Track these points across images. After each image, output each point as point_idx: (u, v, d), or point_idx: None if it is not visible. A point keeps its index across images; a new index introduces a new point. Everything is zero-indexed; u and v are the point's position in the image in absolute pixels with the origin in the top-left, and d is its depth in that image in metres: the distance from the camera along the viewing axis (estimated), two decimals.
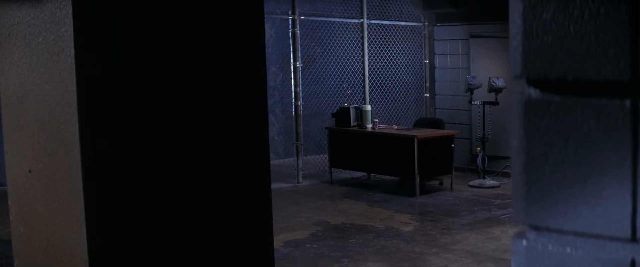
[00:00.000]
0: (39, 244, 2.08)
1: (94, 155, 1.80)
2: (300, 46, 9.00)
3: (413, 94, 11.51)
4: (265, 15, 8.07)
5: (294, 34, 8.83)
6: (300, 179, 9.08)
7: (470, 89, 9.90)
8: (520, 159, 0.82)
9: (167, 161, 1.92)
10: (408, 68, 11.50)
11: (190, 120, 1.99)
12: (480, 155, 9.84)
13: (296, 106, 8.92)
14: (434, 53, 11.30)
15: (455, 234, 6.87)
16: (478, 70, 10.52)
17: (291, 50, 8.92)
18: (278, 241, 6.21)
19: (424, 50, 11.37)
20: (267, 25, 7.69)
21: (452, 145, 9.19)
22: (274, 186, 8.60)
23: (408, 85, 11.52)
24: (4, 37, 2.14)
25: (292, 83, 8.97)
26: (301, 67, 8.99)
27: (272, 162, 2.28)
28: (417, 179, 8.60)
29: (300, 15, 8.93)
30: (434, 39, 11.25)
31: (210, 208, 2.02)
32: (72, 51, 1.77)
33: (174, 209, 1.95)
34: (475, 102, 9.97)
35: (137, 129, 1.88)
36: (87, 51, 1.79)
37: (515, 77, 0.85)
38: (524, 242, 0.83)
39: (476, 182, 9.63)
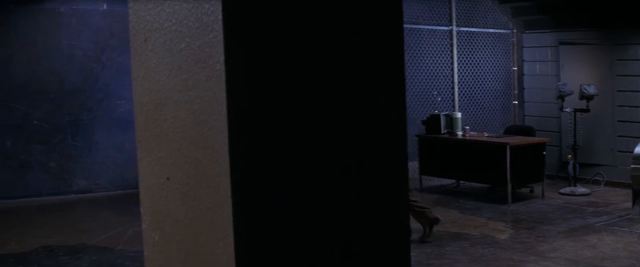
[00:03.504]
0: (177, 252, 2.06)
1: (243, 162, 1.77)
2: None
3: (500, 101, 11.31)
4: None
5: None
6: None
7: (562, 96, 9.71)
8: None
9: (317, 167, 1.88)
10: (496, 75, 11.31)
11: (338, 124, 1.94)
12: (571, 162, 9.64)
13: None
14: (523, 60, 11.08)
15: (551, 242, 6.74)
16: (568, 77, 10.28)
17: None
18: None
19: (512, 57, 11.17)
20: None
21: (544, 152, 9.04)
22: None
23: (496, 93, 11.33)
24: (139, 43, 2.14)
25: None
26: None
27: None
28: (509, 187, 8.46)
29: None
30: (523, 46, 11.05)
31: (360, 216, 1.96)
32: (222, 57, 1.74)
33: (324, 219, 1.90)
34: (566, 110, 9.77)
35: (287, 135, 1.84)
36: (237, 57, 1.76)
37: None
38: None
39: (567, 189, 9.44)
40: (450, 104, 10.52)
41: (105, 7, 9.20)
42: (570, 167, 9.60)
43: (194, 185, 1.92)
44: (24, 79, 8.87)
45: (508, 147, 8.42)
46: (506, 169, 8.42)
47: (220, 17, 1.73)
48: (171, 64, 1.96)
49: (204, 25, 1.80)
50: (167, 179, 2.05)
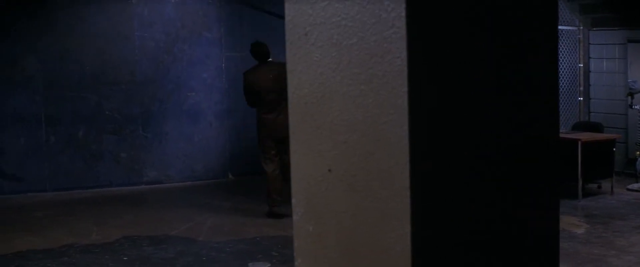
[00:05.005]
0: (335, 243, 2.09)
1: (421, 155, 1.79)
2: None
3: (565, 97, 11.21)
4: None
5: None
6: None
7: (631, 94, 9.65)
8: None
9: (492, 160, 1.90)
10: (561, 72, 11.21)
11: (505, 119, 1.96)
12: (639, 159, 9.59)
13: None
14: (589, 57, 10.98)
15: (628, 237, 6.72)
16: (636, 75, 10.17)
17: None
18: None
19: (578, 54, 11.07)
20: None
21: (614, 149, 9.05)
22: None
23: (561, 89, 11.24)
24: (297, 36, 2.17)
25: None
26: None
27: None
28: (580, 182, 8.49)
29: None
30: (590, 43, 10.94)
31: (530, 212, 1.98)
32: (404, 53, 1.77)
33: (491, 211, 1.92)
34: (635, 107, 9.69)
35: (463, 130, 1.86)
36: (419, 54, 1.78)
37: None
38: None
39: (635, 186, 9.39)
40: None
41: None
42: (638, 163, 9.57)
43: (361, 177, 1.95)
44: (95, 69, 9.02)
45: (580, 143, 8.46)
46: (578, 164, 8.49)
47: (403, 13, 1.75)
48: (338, 58, 1.99)
49: (382, 21, 1.82)
50: (329, 170, 2.09)
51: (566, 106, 11.21)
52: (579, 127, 10.09)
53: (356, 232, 1.98)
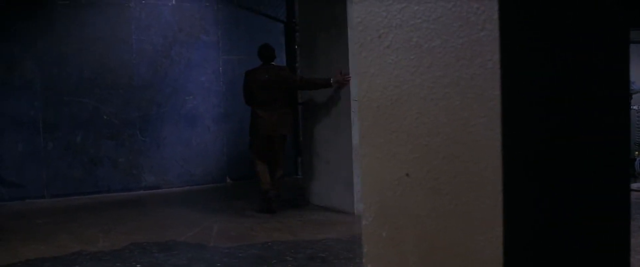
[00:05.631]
0: (413, 247, 2.08)
1: (514, 158, 1.78)
2: None
3: None
4: None
5: None
6: None
7: (630, 94, 9.79)
8: None
9: (581, 162, 1.89)
10: None
11: (595, 119, 1.95)
12: (638, 159, 9.73)
13: None
14: None
15: (638, 237, 6.75)
16: (636, 75, 10.29)
17: None
18: None
19: None
20: None
21: None
22: None
23: None
24: (369, 39, 2.15)
25: None
26: None
27: None
28: None
29: None
30: None
31: (607, 213, 1.98)
32: (496, 56, 1.75)
33: (587, 217, 1.91)
34: (633, 107, 9.83)
35: (555, 130, 1.85)
36: (512, 57, 1.77)
37: None
38: None
39: (635, 185, 9.51)
40: None
41: (173, 2, 9.26)
42: (637, 163, 9.74)
43: (445, 180, 1.93)
44: (93, 73, 8.94)
45: None
46: None
47: (496, 16, 1.74)
48: (418, 60, 1.98)
49: (470, 24, 1.81)
50: (406, 174, 2.07)
51: None
52: None
53: (439, 236, 1.96)
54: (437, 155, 1.94)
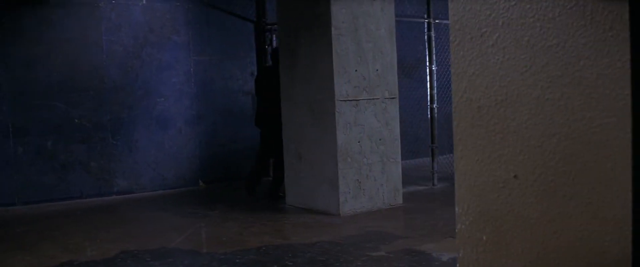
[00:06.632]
0: (523, 250, 2.05)
1: None
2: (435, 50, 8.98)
3: None
4: (400, 18, 7.96)
5: (429, 37, 8.81)
6: (435, 181, 9.06)
7: None
8: None
9: None
10: None
11: None
12: None
13: (431, 109, 8.89)
14: None
15: None
16: None
17: (427, 53, 8.90)
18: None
19: None
20: (402, 28, 7.65)
21: None
22: (410, 188, 8.62)
23: None
24: (469, 37, 2.12)
25: (428, 86, 8.95)
26: (436, 69, 8.97)
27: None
28: None
29: (435, 19, 8.91)
30: None
31: None
32: (626, 56, 1.74)
33: None
34: None
35: None
36: None
37: None
38: None
39: None
40: None
41: (144, 2, 9.08)
42: None
43: (562, 182, 1.91)
44: (63, 76, 8.70)
45: None
46: None
47: (626, 16, 1.72)
48: (531, 60, 1.95)
49: (594, 23, 1.79)
50: (514, 176, 2.04)
51: None
52: None
53: (555, 239, 1.93)
54: (552, 156, 1.91)
